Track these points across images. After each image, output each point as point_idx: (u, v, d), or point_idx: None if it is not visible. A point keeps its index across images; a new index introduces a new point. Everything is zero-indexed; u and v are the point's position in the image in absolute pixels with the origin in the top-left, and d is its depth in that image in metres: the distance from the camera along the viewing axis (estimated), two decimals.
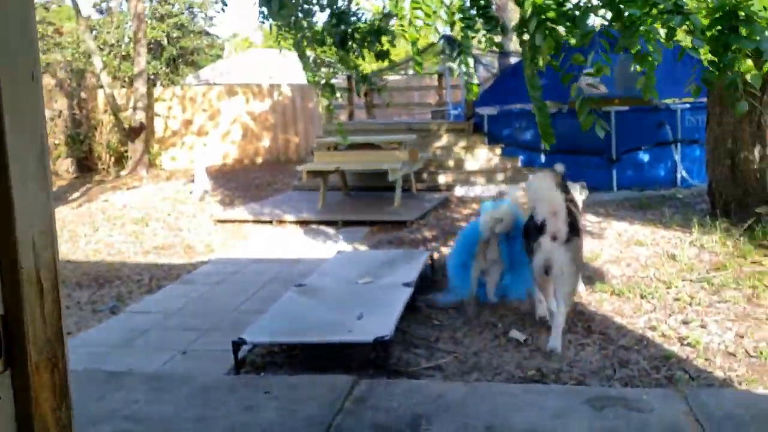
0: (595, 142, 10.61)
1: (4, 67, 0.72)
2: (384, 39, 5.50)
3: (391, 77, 17.04)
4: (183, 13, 32.26)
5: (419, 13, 4.02)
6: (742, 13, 3.11)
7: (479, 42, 4.48)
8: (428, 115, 15.09)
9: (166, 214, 9.64)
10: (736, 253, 6.14)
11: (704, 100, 11.09)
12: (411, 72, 18.49)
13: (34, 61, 0.75)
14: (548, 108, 4.47)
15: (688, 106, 10.79)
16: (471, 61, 4.33)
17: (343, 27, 5.61)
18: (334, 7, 5.46)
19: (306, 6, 5.58)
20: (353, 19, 5.43)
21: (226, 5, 6.88)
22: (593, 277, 5.70)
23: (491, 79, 14.48)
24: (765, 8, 3.14)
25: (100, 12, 24.04)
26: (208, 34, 33.57)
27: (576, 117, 10.65)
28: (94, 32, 21.24)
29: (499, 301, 5.07)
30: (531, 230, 4.50)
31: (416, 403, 3.36)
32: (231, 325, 4.78)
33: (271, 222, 8.66)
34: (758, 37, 3.09)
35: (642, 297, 5.13)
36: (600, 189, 10.33)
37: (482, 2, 4.01)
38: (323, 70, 5.69)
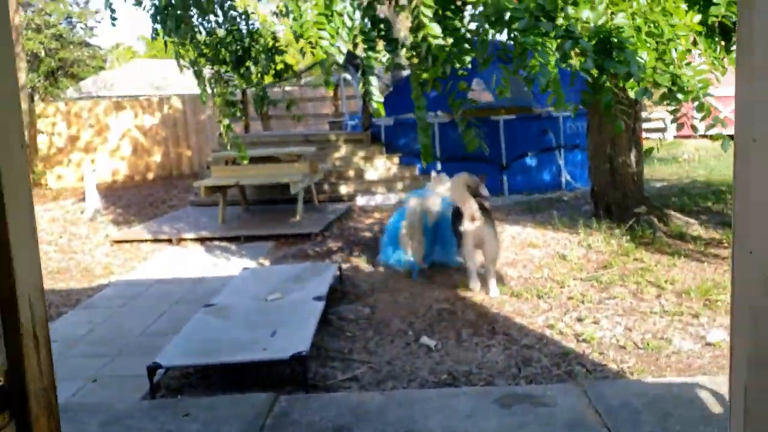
0: (487, 149, 11.15)
1: None
2: (277, 59, 5.58)
3: (287, 88, 17.02)
4: (61, 24, 30.83)
5: (324, 33, 4.15)
6: (615, 40, 3.45)
7: (380, 62, 4.65)
8: (325, 126, 15.20)
9: (57, 237, 9.22)
10: (619, 251, 6.64)
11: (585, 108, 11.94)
12: (303, 82, 18.56)
13: (18, 130, 0.80)
14: (429, 128, 4.73)
15: (568, 113, 11.50)
16: (374, 80, 4.49)
17: (238, 46, 5.65)
18: (232, 26, 5.49)
19: (205, 24, 5.57)
20: (248, 39, 5.48)
21: (115, 20, 6.70)
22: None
23: (385, 90, 14.81)
24: (634, 36, 3.49)
25: None
26: (88, 45, 32.23)
27: (471, 125, 11.03)
28: None
29: (429, 266, 6.41)
30: (455, 217, 5.95)
31: (336, 415, 3.47)
32: (140, 349, 4.69)
33: (170, 240, 8.49)
34: (629, 61, 3.43)
35: (539, 297, 5.47)
36: (493, 194, 10.82)
37: (382, 25, 4.18)
38: (220, 87, 5.67)
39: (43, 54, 27.91)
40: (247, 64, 5.78)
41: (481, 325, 4.94)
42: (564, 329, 4.75)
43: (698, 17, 4.23)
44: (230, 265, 7.27)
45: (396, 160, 11.28)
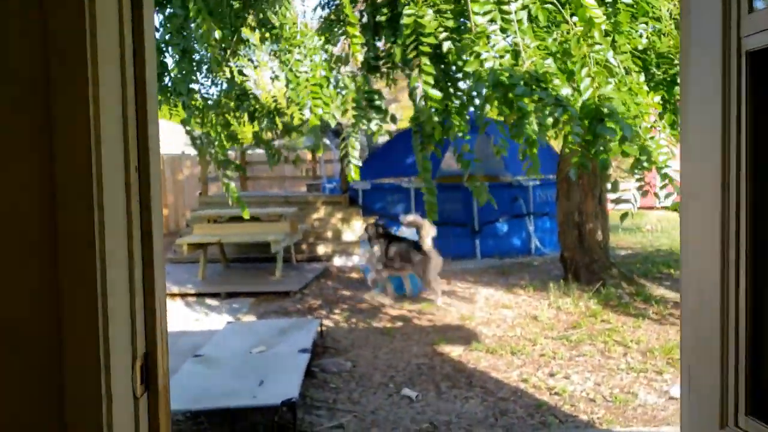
0: (459, 214, 11.59)
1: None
2: (277, 120, 5.94)
3: (258, 150, 17.44)
4: None
5: (318, 101, 4.53)
6: (605, 109, 3.85)
7: (369, 130, 5.03)
8: (302, 189, 15.58)
9: None
10: (588, 312, 6.99)
11: (553, 177, 12.50)
12: (279, 144, 19.01)
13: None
14: (435, 189, 5.04)
15: (538, 182, 12.05)
16: (357, 144, 4.85)
17: (246, 104, 6.01)
18: (232, 86, 5.85)
19: (196, 86, 5.92)
20: (252, 100, 5.85)
21: None
22: (469, 337, 6.29)
23: (363, 156, 15.31)
24: (624, 104, 3.91)
25: None
26: None
27: (444, 191, 11.44)
28: None
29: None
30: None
31: None
32: None
33: None
34: (623, 126, 3.83)
35: (512, 353, 5.75)
36: (465, 257, 11.20)
37: (375, 96, 4.58)
38: (218, 147, 5.98)
39: None
40: (254, 126, 6.14)
41: (459, 378, 5.19)
42: (537, 383, 5.02)
43: (658, 98, 4.72)
44: (212, 320, 7.43)
45: (372, 222, 11.63)
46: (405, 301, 7.89)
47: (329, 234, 11.38)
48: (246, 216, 6.12)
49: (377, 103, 4.56)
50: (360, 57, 4.52)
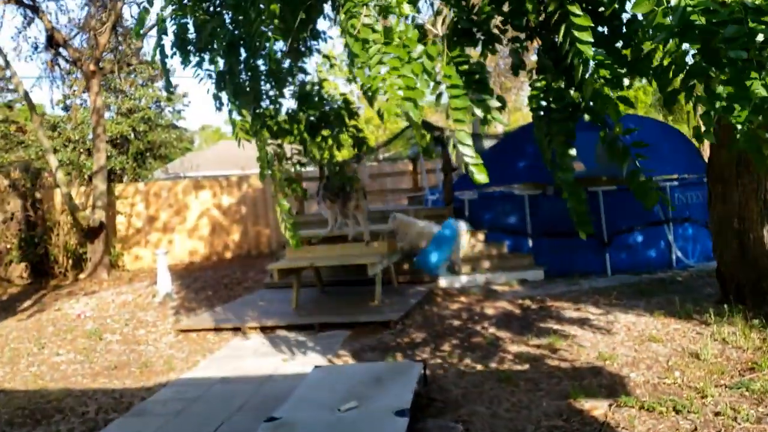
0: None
1: None
2: (350, 123, 4.87)
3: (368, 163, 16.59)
4: (150, 107, 32.12)
5: (398, 81, 3.28)
6: None
7: (472, 117, 3.76)
8: (403, 202, 14.54)
9: (123, 324, 8.72)
10: (765, 347, 5.44)
11: (693, 176, 10.73)
12: (381, 157, 18.11)
13: None
14: (582, 193, 3.75)
15: (676, 183, 10.37)
16: (468, 139, 3.48)
17: (311, 111, 4.99)
18: (303, 93, 4.88)
19: (270, 92, 4.97)
20: (319, 102, 4.82)
21: (172, 92, 6.14)
22: (613, 386, 4.94)
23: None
24: None
25: (65, 109, 23.60)
26: (176, 126, 33.41)
27: (564, 198, 9.92)
28: (58, 129, 20.72)
29: None
30: None
31: None
32: None
33: (239, 329, 7.80)
34: None
35: (676, 411, 4.36)
36: (593, 273, 9.72)
37: (475, 67, 3.35)
38: (283, 163, 5.01)
39: (132, 136, 29.02)
40: (324, 132, 5.07)
41: None
42: None
43: None
44: (302, 359, 6.47)
45: (481, 236, 10.38)
46: (528, 334, 6.60)
47: None
48: (296, 246, 5.07)
49: (478, 77, 3.33)
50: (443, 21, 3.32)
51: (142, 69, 30.16)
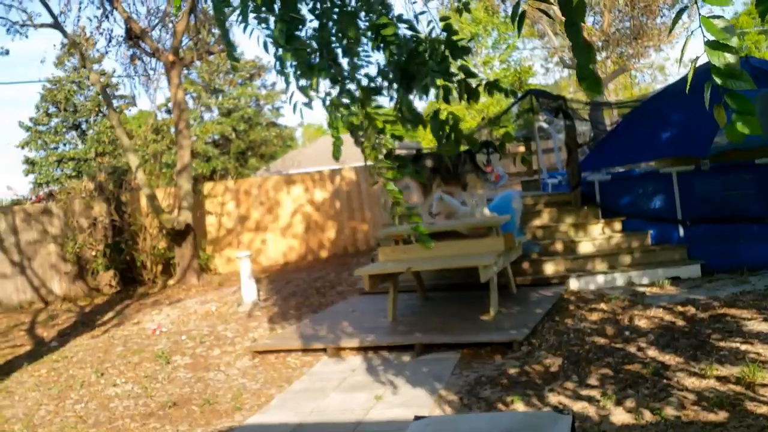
0: (752, 205, 8.01)
1: None
2: (454, 65, 3.22)
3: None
4: (249, 106, 31.79)
5: None
6: None
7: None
8: (516, 188, 12.74)
9: (198, 342, 7.55)
10: None
11: None
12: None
13: None
14: None
15: None
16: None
17: (403, 58, 3.36)
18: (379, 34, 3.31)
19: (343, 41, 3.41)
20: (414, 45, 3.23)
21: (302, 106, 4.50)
22: None
23: (591, 139, 12.08)
24: None
25: (168, 112, 23.37)
26: (275, 124, 32.96)
27: (723, 174, 7.80)
28: (161, 133, 20.35)
29: None
30: None
31: None
32: None
33: (325, 350, 6.41)
34: None
35: None
36: (765, 267, 7.62)
37: None
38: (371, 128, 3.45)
39: (233, 136, 28.69)
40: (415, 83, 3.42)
41: None
42: None
43: None
44: (399, 396, 4.96)
45: (618, 226, 8.48)
46: (707, 359, 4.78)
47: (558, 246, 8.44)
48: (428, 245, 3.47)
49: None
50: None
51: (240, 68, 29.86)
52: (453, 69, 3.00)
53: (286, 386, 5.64)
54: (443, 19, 3.00)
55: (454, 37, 2.92)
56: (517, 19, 2.29)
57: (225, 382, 5.98)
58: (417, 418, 4.07)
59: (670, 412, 4.02)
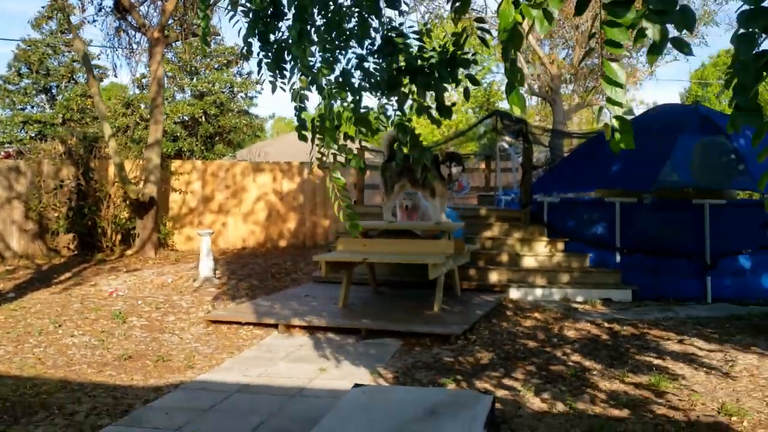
0: (685, 241, 8.69)
1: None
2: (461, 74, 3.66)
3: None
4: (223, 92, 31.85)
5: None
6: None
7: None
8: (473, 201, 13.35)
9: (154, 308, 7.87)
10: None
11: None
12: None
13: None
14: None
15: None
16: (620, 76, 2.24)
17: (398, 57, 3.81)
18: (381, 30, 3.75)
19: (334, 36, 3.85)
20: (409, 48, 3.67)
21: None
22: None
23: (546, 163, 12.75)
24: None
25: (141, 88, 23.48)
26: (247, 113, 33.06)
27: (662, 210, 8.43)
28: (131, 107, 20.41)
29: None
30: None
31: None
32: None
33: (276, 326, 6.82)
34: None
35: None
36: (690, 300, 8.32)
37: None
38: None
39: (203, 119, 28.74)
40: (404, 82, 3.82)
41: None
42: None
43: None
44: (342, 370, 5.41)
45: (561, 246, 9.10)
46: (623, 368, 5.35)
47: (504, 258, 9.01)
48: (354, 234, 3.93)
49: None
50: None
51: (218, 53, 29.92)
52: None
53: (236, 353, 6.04)
54: (455, 34, 3.56)
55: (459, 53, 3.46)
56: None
57: (178, 345, 6.34)
58: (356, 385, 4.56)
59: (581, 405, 4.55)
